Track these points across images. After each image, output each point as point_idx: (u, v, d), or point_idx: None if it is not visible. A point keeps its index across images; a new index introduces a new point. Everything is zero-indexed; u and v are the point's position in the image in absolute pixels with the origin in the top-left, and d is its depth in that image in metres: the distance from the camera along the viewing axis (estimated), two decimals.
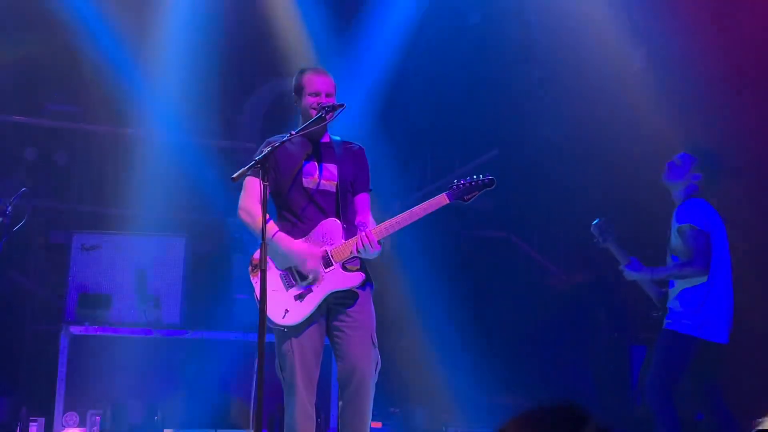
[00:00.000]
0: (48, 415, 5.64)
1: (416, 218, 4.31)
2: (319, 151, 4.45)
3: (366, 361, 4.26)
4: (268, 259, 4.10)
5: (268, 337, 4.06)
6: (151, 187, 7.77)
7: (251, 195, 4.32)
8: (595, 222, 5.35)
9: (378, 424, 6.22)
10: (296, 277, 4.27)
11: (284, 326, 4.24)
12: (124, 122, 7.85)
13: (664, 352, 5.16)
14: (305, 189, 4.37)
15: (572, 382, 7.65)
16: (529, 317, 7.93)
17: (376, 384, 4.34)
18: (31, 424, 5.58)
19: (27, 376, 7.11)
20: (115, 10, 7.34)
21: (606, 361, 7.48)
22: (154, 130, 8.05)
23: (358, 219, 4.45)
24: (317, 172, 4.41)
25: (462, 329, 7.62)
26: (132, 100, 7.59)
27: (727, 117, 6.60)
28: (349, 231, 4.35)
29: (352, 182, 4.47)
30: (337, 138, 4.57)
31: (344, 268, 4.31)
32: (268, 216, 4.03)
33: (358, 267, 4.35)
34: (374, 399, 4.32)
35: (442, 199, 4.34)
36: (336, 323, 4.32)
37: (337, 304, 4.31)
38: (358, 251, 4.25)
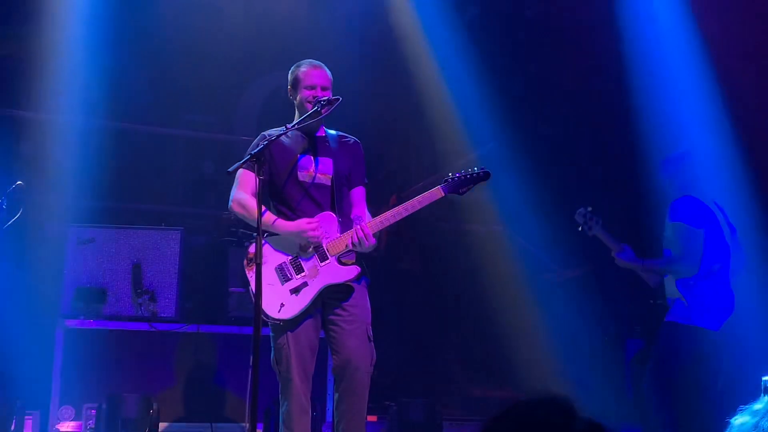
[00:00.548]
0: (43, 408, 5.63)
1: (411, 211, 4.31)
2: (314, 144, 4.45)
3: (361, 355, 4.27)
4: (265, 252, 4.10)
5: (264, 331, 4.06)
6: (146, 180, 7.77)
7: (245, 188, 4.33)
8: (579, 210, 5.33)
9: (373, 418, 6.22)
10: (300, 260, 4.26)
11: (280, 320, 4.24)
12: (117, 116, 7.82)
13: (663, 344, 5.17)
14: (301, 183, 4.37)
15: (568, 376, 7.65)
16: (524, 311, 7.93)
17: (372, 377, 4.34)
18: (26, 418, 5.58)
19: (22, 369, 7.10)
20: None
21: (602, 355, 7.48)
22: (149, 123, 8.04)
23: (354, 212, 4.46)
24: (313, 166, 4.41)
25: (457, 322, 7.62)
26: (125, 93, 7.57)
27: (726, 115, 6.62)
28: (345, 224, 4.35)
29: (348, 176, 4.47)
30: (333, 131, 4.56)
31: (340, 261, 4.31)
32: (264, 208, 4.04)
33: (354, 260, 4.35)
34: (370, 392, 4.33)
35: (437, 192, 4.34)
36: (331, 317, 4.32)
37: (332, 297, 4.31)
38: (353, 245, 4.25)
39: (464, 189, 4.39)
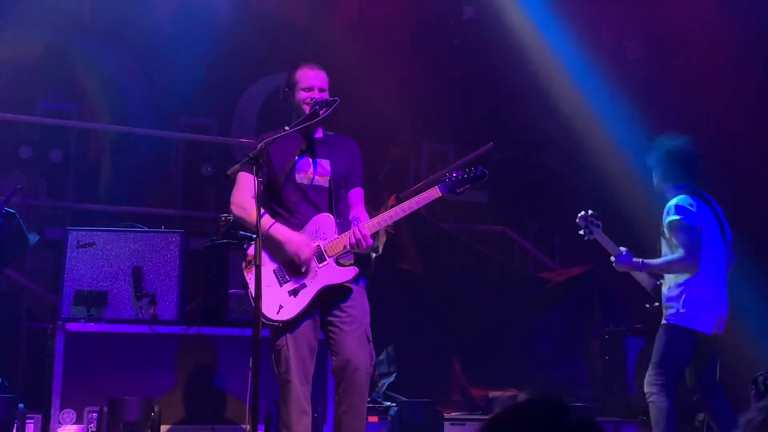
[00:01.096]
0: (44, 412, 5.64)
1: (409, 212, 4.31)
2: (312, 146, 4.45)
3: (361, 356, 4.27)
4: (263, 254, 4.11)
5: (264, 333, 4.07)
6: (145, 184, 7.78)
7: (244, 190, 4.33)
8: (580, 214, 5.33)
9: (374, 418, 6.23)
10: (288, 271, 4.27)
11: (279, 321, 4.24)
12: (119, 119, 7.85)
13: (661, 346, 5.17)
14: (298, 185, 4.37)
15: (568, 375, 7.66)
16: (524, 310, 7.93)
17: (371, 378, 4.34)
18: (27, 422, 5.58)
19: (23, 373, 7.12)
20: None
21: (601, 354, 7.49)
22: (149, 126, 8.06)
23: (352, 214, 4.46)
24: (311, 168, 4.40)
25: (458, 322, 7.62)
26: (127, 97, 7.59)
27: (725, 112, 6.62)
28: (343, 226, 4.36)
29: (346, 177, 4.47)
30: (330, 133, 4.57)
31: (338, 262, 4.31)
32: (263, 210, 4.04)
33: (352, 261, 4.35)
34: (370, 393, 4.33)
35: (434, 192, 4.34)
36: (330, 318, 4.32)
37: (331, 299, 4.31)
38: (351, 246, 4.25)
39: (461, 189, 4.39)
